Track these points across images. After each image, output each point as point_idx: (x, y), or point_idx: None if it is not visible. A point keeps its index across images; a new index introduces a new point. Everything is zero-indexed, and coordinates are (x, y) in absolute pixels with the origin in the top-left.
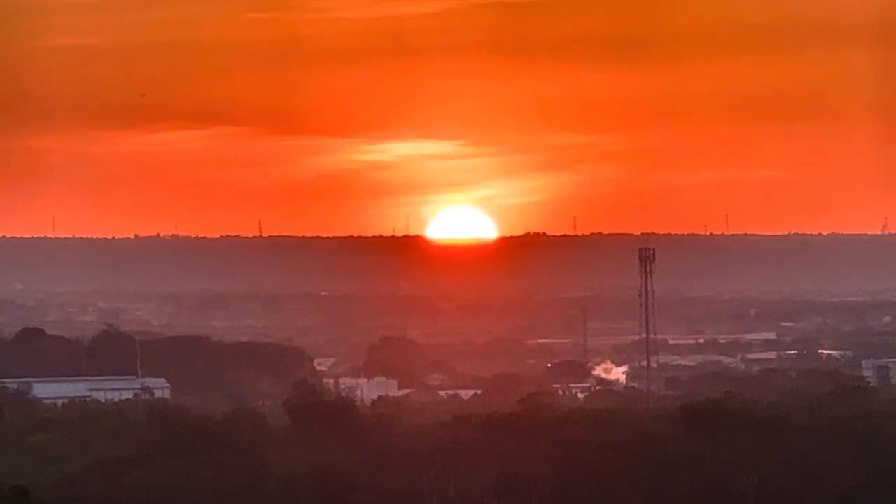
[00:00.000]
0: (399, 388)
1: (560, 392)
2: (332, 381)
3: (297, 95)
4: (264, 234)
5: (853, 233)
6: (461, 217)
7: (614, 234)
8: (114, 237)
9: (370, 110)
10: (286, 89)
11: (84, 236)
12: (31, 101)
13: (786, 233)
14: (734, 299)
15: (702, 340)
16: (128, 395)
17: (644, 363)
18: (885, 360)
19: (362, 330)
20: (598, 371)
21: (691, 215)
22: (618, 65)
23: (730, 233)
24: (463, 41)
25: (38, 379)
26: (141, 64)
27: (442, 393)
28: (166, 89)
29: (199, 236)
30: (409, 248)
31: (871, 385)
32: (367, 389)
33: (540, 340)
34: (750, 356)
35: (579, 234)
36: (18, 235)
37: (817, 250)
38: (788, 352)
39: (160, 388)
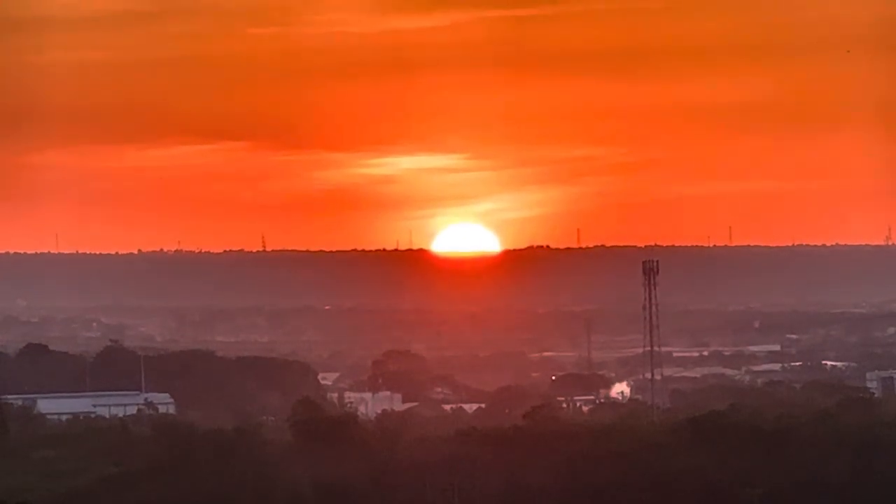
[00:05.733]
0: (403, 401)
1: (565, 405)
2: (336, 395)
3: (300, 110)
4: (268, 249)
5: (857, 244)
6: (465, 230)
7: (618, 246)
8: (117, 252)
9: (373, 124)
10: (288, 104)
11: (87, 251)
12: (34, 116)
13: (789, 244)
14: (738, 311)
15: (706, 353)
16: (132, 410)
17: (648, 376)
18: (890, 371)
19: (366, 344)
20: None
21: (695, 227)
22: (621, 77)
23: (733, 244)
24: (466, 55)
25: (43, 395)
26: (144, 79)
27: (446, 407)
28: (169, 104)
29: (203, 251)
30: (412, 262)
31: (876, 396)
32: (372, 403)
33: (544, 353)
34: (754, 368)
35: (583, 246)
36: (21, 251)
37: (821, 261)
38: (793, 363)
39: (164, 403)
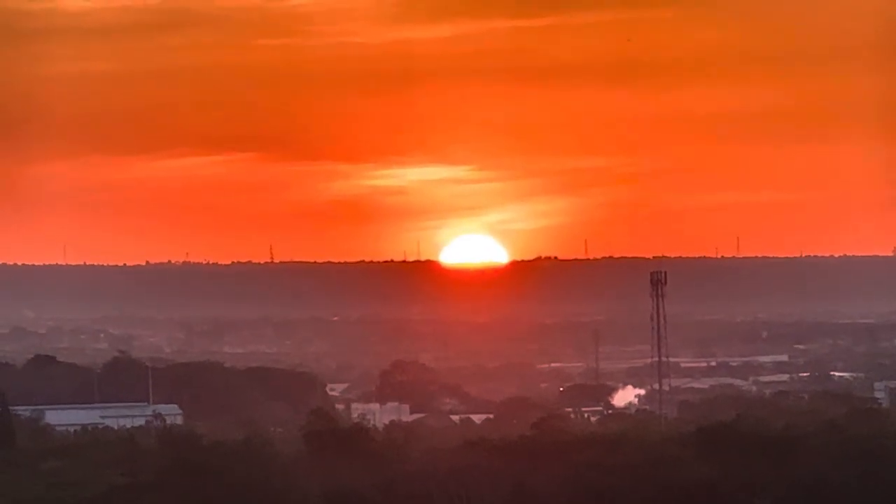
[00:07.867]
0: (411, 412)
1: (572, 416)
2: (343, 406)
3: (308, 121)
4: (276, 260)
5: (865, 255)
6: (473, 241)
7: (625, 257)
8: (125, 264)
9: (381, 135)
10: (296, 115)
11: (95, 263)
12: (42, 127)
13: (797, 255)
14: (746, 322)
15: (714, 363)
16: (140, 421)
17: (656, 386)
18: None
19: (374, 355)
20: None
21: (702, 238)
22: (628, 88)
23: (741, 255)
24: (474, 65)
25: (51, 406)
26: (152, 90)
27: (454, 417)
28: (177, 115)
29: (211, 262)
30: (420, 273)
31: (884, 406)
32: (380, 414)
33: (552, 364)
34: (762, 378)
35: (590, 257)
36: (29, 263)
37: (829, 272)
38: (801, 374)
39: (172, 414)
